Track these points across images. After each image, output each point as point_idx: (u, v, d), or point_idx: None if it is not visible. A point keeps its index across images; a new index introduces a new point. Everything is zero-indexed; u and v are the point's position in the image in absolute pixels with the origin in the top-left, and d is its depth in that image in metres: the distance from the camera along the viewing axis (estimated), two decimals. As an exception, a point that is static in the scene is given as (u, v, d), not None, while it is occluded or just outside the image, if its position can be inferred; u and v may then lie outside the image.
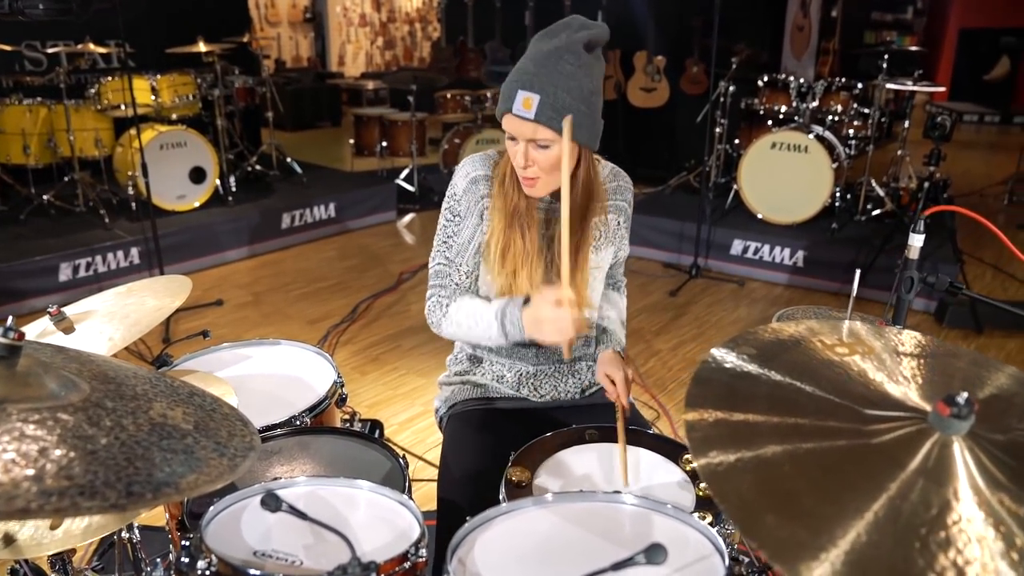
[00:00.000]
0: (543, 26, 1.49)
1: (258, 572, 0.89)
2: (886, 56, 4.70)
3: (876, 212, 4.97)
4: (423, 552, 0.94)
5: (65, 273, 4.26)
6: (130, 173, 4.83)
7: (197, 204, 5.17)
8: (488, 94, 6.79)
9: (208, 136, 5.21)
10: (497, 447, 1.50)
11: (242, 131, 6.13)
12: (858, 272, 1.32)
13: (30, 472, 0.76)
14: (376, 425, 1.82)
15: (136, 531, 1.56)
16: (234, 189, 5.45)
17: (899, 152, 5.23)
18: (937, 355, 1.03)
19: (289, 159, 6.18)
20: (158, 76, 5.00)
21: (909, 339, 1.06)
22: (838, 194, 4.80)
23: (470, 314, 1.57)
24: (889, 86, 4.77)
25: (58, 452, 0.82)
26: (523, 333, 1.47)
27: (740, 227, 5.00)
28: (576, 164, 1.51)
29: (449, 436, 1.68)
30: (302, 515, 0.87)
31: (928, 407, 0.88)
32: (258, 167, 5.95)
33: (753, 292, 4.74)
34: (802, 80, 4.94)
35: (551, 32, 1.45)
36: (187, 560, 0.94)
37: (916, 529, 0.72)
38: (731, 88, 5.37)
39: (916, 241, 1.26)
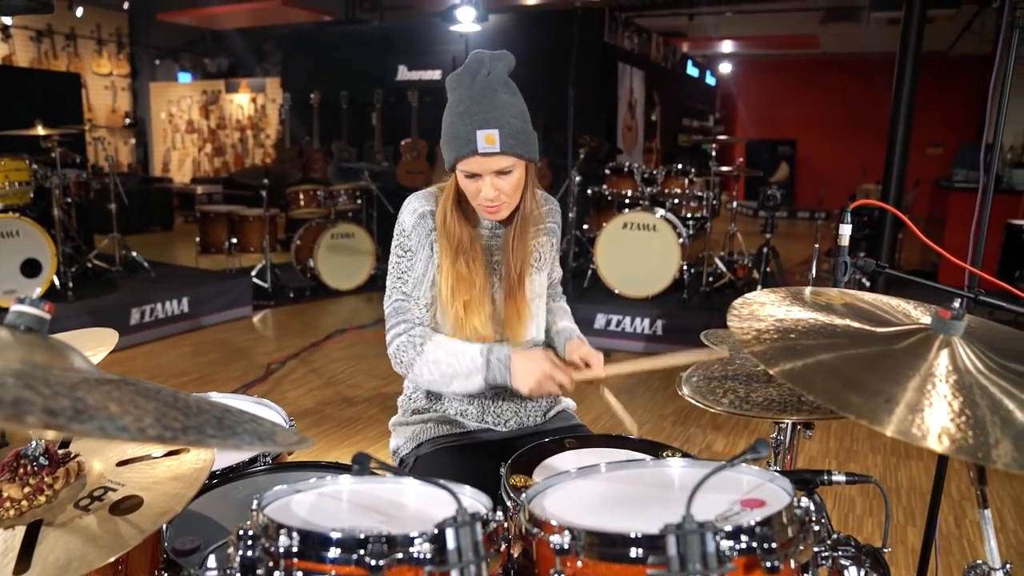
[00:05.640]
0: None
1: (366, 533, 0.83)
2: (715, 146, 5.41)
3: (718, 284, 5.52)
4: (500, 515, 0.93)
5: None
6: (-50, 267, 4.31)
7: (30, 301, 4.67)
8: (341, 190, 6.82)
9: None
10: (480, 472, 1.49)
11: (77, 227, 5.69)
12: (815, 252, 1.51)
13: (137, 409, 0.70)
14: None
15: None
16: (71, 285, 4.99)
17: (730, 230, 5.91)
18: (884, 300, 1.23)
19: (135, 253, 5.80)
20: (-15, 162, 4.59)
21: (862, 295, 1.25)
22: (685, 268, 5.28)
23: (451, 351, 1.58)
24: (717, 170, 5.47)
25: (143, 401, 0.75)
26: (506, 372, 1.55)
27: (601, 302, 5.32)
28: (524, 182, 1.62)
29: (424, 472, 1.63)
30: (396, 471, 0.82)
31: (921, 323, 1.05)
32: (99, 263, 5.52)
33: (620, 360, 5.01)
34: (644, 167, 5.51)
35: (470, 71, 1.54)
36: (253, 550, 0.85)
37: (946, 392, 0.89)
38: (578, 178, 5.84)
39: (845, 230, 1.48)
